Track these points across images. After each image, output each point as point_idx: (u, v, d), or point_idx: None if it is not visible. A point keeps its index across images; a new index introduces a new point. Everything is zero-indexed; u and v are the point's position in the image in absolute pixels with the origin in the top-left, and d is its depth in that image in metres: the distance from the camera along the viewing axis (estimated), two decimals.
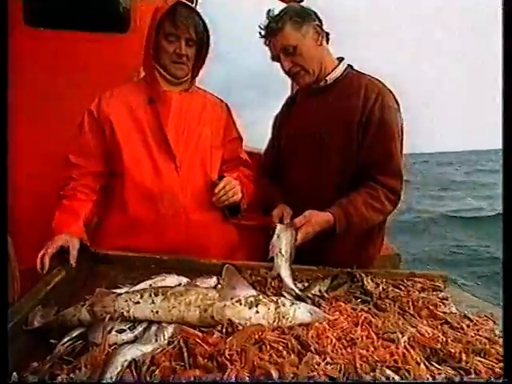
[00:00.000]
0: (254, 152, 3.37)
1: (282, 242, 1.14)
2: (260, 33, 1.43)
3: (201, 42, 1.41)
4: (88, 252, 1.27)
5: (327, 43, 1.47)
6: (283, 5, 1.47)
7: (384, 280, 1.30)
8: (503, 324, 0.87)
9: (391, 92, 1.45)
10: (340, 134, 1.42)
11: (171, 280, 0.99)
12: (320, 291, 1.11)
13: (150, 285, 0.95)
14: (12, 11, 1.96)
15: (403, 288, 1.26)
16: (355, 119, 1.40)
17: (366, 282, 1.18)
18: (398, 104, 1.44)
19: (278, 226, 1.18)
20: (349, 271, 1.25)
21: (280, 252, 1.13)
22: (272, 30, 1.39)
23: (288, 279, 1.08)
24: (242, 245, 1.58)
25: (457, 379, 0.72)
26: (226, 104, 1.58)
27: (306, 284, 1.18)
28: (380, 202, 1.38)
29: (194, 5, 3.16)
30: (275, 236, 1.16)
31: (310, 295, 1.05)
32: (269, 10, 1.42)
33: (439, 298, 1.21)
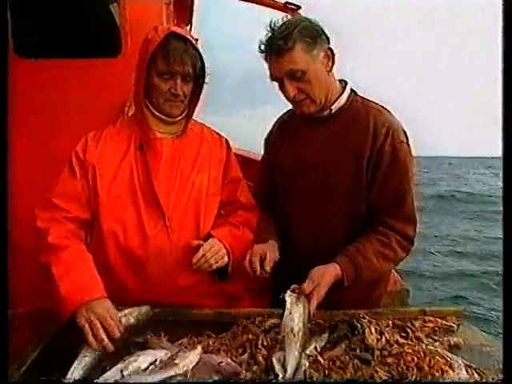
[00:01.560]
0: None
1: (295, 320, 1.02)
2: (260, 46, 1.27)
3: (197, 77, 1.27)
4: None
5: (333, 64, 1.31)
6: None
7: (390, 323, 1.21)
8: (503, 324, 0.83)
9: (400, 123, 1.32)
10: (347, 173, 1.29)
11: (145, 358, 0.92)
12: (316, 348, 1.03)
13: (121, 370, 0.88)
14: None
15: (410, 333, 1.16)
16: (364, 157, 1.27)
17: (367, 335, 1.09)
18: (407, 137, 1.31)
19: (288, 300, 1.05)
20: (350, 321, 1.16)
21: (291, 331, 1.00)
22: (279, 48, 1.20)
23: (290, 367, 0.93)
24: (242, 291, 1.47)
25: None
26: (226, 140, 1.45)
27: None
28: (392, 249, 1.26)
29: (188, 29, 3.07)
30: (286, 312, 1.03)
31: (303, 358, 0.97)
32: (271, 22, 1.25)
33: (451, 344, 1.11)
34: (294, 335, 1.00)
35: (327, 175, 1.31)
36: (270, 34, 1.24)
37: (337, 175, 1.30)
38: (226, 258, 1.24)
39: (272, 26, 1.25)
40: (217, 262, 1.21)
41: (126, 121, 1.37)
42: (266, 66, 1.29)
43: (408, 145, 1.30)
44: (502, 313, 0.85)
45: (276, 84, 1.31)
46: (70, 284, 1.08)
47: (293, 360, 0.94)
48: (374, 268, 1.25)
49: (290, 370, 0.92)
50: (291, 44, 1.20)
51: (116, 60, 2.02)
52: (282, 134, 1.48)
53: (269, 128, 1.54)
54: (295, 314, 1.03)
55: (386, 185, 1.27)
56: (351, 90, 1.37)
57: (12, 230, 1.01)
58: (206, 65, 1.27)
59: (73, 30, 2.24)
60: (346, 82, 1.38)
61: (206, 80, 1.31)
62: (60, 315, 1.07)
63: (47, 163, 1.91)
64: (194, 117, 1.37)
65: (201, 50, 1.25)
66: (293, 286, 1.09)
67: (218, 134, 1.46)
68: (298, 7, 2.47)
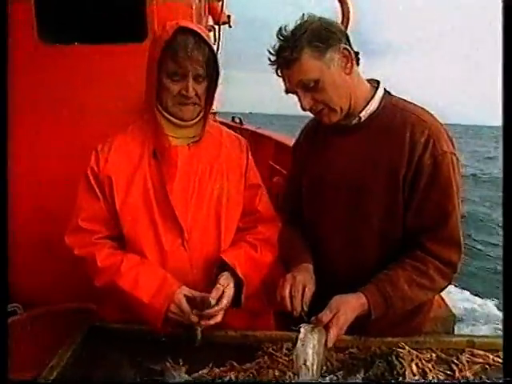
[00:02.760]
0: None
1: (308, 351, 0.93)
2: (269, 59, 1.13)
3: (211, 75, 1.16)
4: None
5: (357, 65, 1.15)
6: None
7: (433, 356, 1.09)
8: (503, 324, 0.81)
9: (443, 128, 1.13)
10: (380, 189, 1.13)
11: None
12: None
13: None
14: (25, 29, 1.85)
15: (457, 372, 1.04)
16: (400, 171, 1.10)
17: (408, 378, 0.97)
18: (453, 144, 1.13)
19: (303, 329, 0.95)
20: (388, 358, 1.04)
21: (305, 364, 0.91)
22: (286, 60, 1.08)
23: None
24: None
25: None
26: (246, 143, 1.33)
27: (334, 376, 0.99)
28: (429, 277, 1.11)
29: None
30: (299, 342, 0.93)
31: None
32: (280, 29, 1.10)
33: None
34: (308, 369, 0.92)
35: (358, 191, 1.16)
36: (278, 44, 1.11)
37: (368, 192, 1.14)
38: (231, 292, 1.12)
39: (282, 32, 1.10)
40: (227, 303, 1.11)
41: (138, 126, 1.26)
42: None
43: (454, 154, 1.12)
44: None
45: None
46: (147, 290, 1.09)
47: None
48: (406, 298, 1.11)
49: None
50: (297, 53, 1.06)
51: (141, 46, 1.90)
52: (309, 142, 1.33)
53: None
54: (309, 345, 0.94)
55: (424, 203, 1.11)
56: (385, 91, 1.20)
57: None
58: (220, 60, 1.15)
59: (98, 12, 2.13)
60: (378, 83, 1.21)
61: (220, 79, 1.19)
62: (150, 322, 1.10)
63: (69, 153, 1.87)
64: None
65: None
66: (312, 318, 0.99)
67: (236, 136, 1.35)
68: None
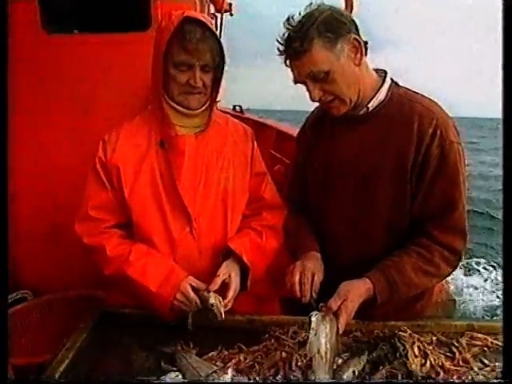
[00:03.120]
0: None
1: (321, 340, 0.94)
2: (278, 48, 1.13)
3: (217, 64, 1.16)
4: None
5: (365, 55, 1.14)
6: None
7: (434, 339, 1.12)
8: (503, 324, 0.81)
9: (450, 119, 1.14)
10: (388, 179, 1.14)
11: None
12: (354, 373, 0.96)
13: None
14: (29, 20, 1.85)
15: (457, 354, 1.07)
16: (408, 161, 1.11)
17: (410, 358, 1.01)
18: (458, 135, 1.14)
19: (314, 318, 0.97)
20: (391, 341, 1.08)
21: (319, 353, 0.93)
22: (295, 51, 1.07)
23: None
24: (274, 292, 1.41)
25: None
26: (251, 132, 1.35)
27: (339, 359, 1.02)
28: (434, 264, 1.13)
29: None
30: (312, 332, 0.95)
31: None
32: (288, 18, 1.10)
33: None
34: (322, 357, 0.94)
35: (365, 181, 1.17)
36: (286, 34, 1.10)
37: (376, 181, 1.16)
38: (237, 287, 1.16)
39: (289, 21, 1.09)
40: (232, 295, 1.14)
41: (145, 116, 1.27)
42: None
43: (460, 144, 1.13)
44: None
45: None
46: (155, 279, 1.12)
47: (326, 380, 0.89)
48: (412, 284, 1.14)
49: None
50: (307, 44, 1.05)
51: (146, 35, 1.90)
52: (315, 132, 1.33)
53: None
54: (321, 334, 0.96)
55: (432, 192, 1.13)
56: (391, 81, 1.20)
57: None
58: (225, 49, 1.15)
59: (101, 0, 2.12)
60: (385, 73, 1.21)
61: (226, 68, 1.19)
62: (157, 310, 1.13)
63: (76, 144, 1.89)
64: None
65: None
66: (320, 304, 1.02)
67: (242, 125, 1.35)
68: None
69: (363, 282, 1.10)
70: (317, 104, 1.23)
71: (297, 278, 1.10)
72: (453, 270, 1.18)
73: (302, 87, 1.17)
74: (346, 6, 2.55)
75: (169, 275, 1.13)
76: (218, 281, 1.12)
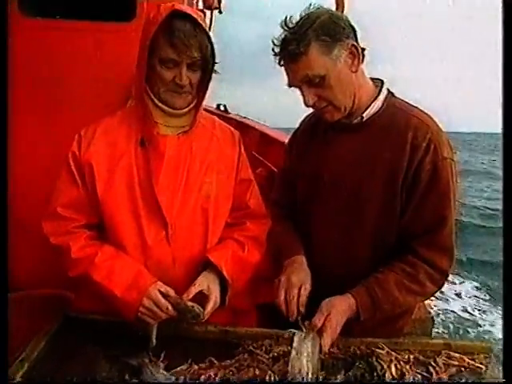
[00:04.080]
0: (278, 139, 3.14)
1: (303, 360, 0.91)
2: (273, 49, 1.09)
3: (206, 63, 1.09)
4: None
5: (362, 62, 1.11)
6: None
7: (411, 358, 1.10)
8: (503, 324, 0.82)
9: (444, 134, 1.13)
10: (379, 193, 1.12)
11: None
12: None
13: None
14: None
15: (434, 374, 1.05)
16: (399, 175, 1.09)
17: (388, 378, 0.98)
18: (452, 151, 1.12)
19: (296, 338, 0.94)
20: (369, 359, 1.04)
21: (300, 373, 0.89)
22: (291, 53, 1.04)
23: None
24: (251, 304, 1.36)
25: None
26: (239, 136, 1.29)
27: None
28: (418, 282, 1.11)
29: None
30: (293, 351, 0.92)
31: None
32: (285, 19, 1.06)
33: None
34: (303, 378, 0.90)
35: (355, 190, 1.15)
36: (283, 35, 1.07)
37: (366, 192, 1.13)
38: (217, 300, 1.11)
39: (286, 23, 1.06)
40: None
41: (127, 111, 1.20)
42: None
43: (453, 161, 1.12)
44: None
45: None
46: (121, 283, 1.06)
47: None
48: (395, 302, 1.12)
49: None
50: (304, 47, 1.02)
51: (129, 25, 1.83)
52: (307, 138, 1.30)
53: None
54: (303, 354, 0.93)
55: (421, 208, 1.10)
56: (388, 91, 1.18)
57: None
58: (216, 48, 1.09)
59: None
60: (382, 82, 1.18)
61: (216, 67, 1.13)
62: (122, 315, 1.07)
63: (50, 140, 1.80)
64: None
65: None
66: (304, 322, 0.99)
67: (229, 128, 1.29)
68: None
69: (346, 298, 1.07)
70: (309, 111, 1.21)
71: (282, 297, 1.07)
72: (438, 289, 1.16)
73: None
74: (337, 6, 2.53)
75: (135, 279, 1.07)
76: (193, 290, 1.06)
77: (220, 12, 3.10)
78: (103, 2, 1.94)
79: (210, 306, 1.06)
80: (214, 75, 1.14)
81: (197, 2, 2.85)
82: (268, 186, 1.51)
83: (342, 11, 2.25)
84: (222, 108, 4.52)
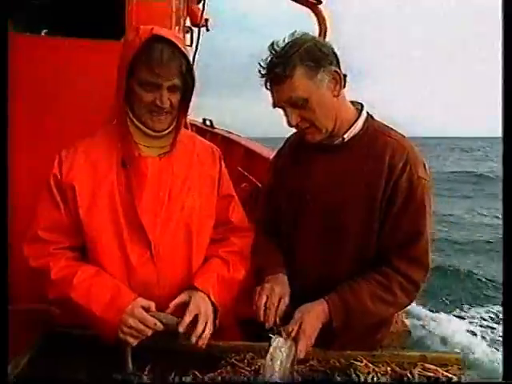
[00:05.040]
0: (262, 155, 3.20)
1: (275, 366, 0.95)
2: (260, 71, 1.15)
3: (186, 85, 1.11)
4: None
5: (343, 87, 1.18)
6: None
7: (388, 370, 1.13)
8: (503, 323, 0.84)
9: (420, 155, 1.20)
10: (359, 210, 1.17)
11: None
12: None
13: None
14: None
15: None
16: (378, 191, 1.15)
17: None
18: (426, 171, 1.19)
19: (273, 343, 0.98)
20: (347, 371, 1.08)
21: (270, 377, 0.94)
22: (277, 75, 1.09)
23: None
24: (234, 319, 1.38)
25: None
26: (219, 152, 1.31)
27: None
28: (392, 293, 1.16)
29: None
30: (268, 357, 0.96)
31: None
32: (273, 43, 1.12)
33: None
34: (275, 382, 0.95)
35: (335, 209, 1.20)
36: (269, 58, 1.13)
37: (345, 210, 1.19)
38: (211, 317, 1.10)
39: (274, 47, 1.12)
40: (206, 324, 1.08)
41: (107, 131, 1.20)
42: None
43: (427, 181, 1.18)
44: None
45: None
46: (99, 302, 1.04)
47: None
48: (367, 311, 1.16)
49: None
50: (290, 71, 1.08)
51: (119, 43, 1.86)
52: (290, 157, 1.35)
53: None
54: (277, 360, 0.97)
55: (398, 223, 1.16)
56: (367, 114, 1.24)
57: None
58: (195, 68, 1.13)
59: (76, 6, 2.07)
60: (361, 105, 1.25)
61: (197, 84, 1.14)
62: (103, 334, 1.06)
63: (49, 155, 1.81)
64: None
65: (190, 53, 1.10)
66: (280, 328, 1.03)
67: (210, 145, 1.31)
68: (319, 1, 2.31)
69: (319, 302, 1.12)
70: (293, 130, 1.25)
71: (263, 302, 1.10)
72: (410, 302, 1.21)
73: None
74: (320, 32, 2.63)
75: (114, 297, 1.05)
76: (173, 303, 1.08)
77: (207, 30, 3.16)
78: (92, 20, 1.98)
79: (206, 333, 1.06)
80: (200, 91, 1.17)
81: (184, 21, 2.90)
82: (252, 200, 1.54)
83: (325, 36, 2.34)
84: (207, 123, 4.56)
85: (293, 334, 1.02)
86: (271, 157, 1.74)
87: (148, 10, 1.87)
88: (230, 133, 4.32)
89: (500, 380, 0.90)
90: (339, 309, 1.12)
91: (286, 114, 1.16)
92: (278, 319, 1.09)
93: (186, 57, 1.08)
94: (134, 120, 1.12)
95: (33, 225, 1.12)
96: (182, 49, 1.07)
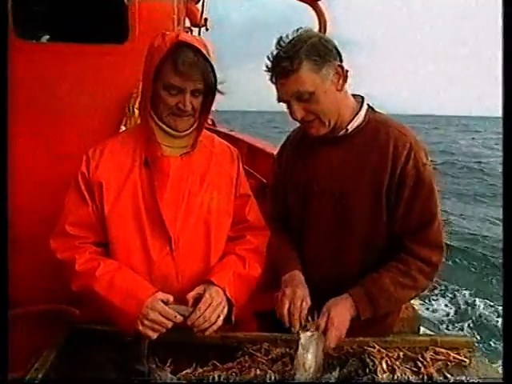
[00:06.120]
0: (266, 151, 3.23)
1: (308, 355, 1.00)
2: (267, 65, 1.18)
3: (209, 89, 1.15)
4: None
5: (346, 82, 1.21)
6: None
7: (400, 354, 1.17)
8: (503, 323, 0.84)
9: (421, 142, 1.23)
10: (364, 199, 1.21)
11: None
12: None
13: None
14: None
15: (422, 368, 1.13)
16: (383, 182, 1.19)
17: (379, 373, 1.05)
18: (427, 157, 1.23)
19: (302, 336, 1.02)
20: (361, 356, 1.12)
21: (304, 366, 0.98)
22: (284, 69, 1.13)
23: None
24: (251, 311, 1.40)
25: None
26: (237, 153, 1.35)
27: None
28: (411, 277, 1.19)
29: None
30: (300, 347, 1.00)
31: None
32: (280, 38, 1.16)
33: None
34: (306, 370, 1.00)
35: (342, 200, 1.23)
36: (276, 52, 1.16)
37: (353, 201, 1.22)
38: (225, 310, 1.13)
39: (280, 42, 1.16)
40: (219, 316, 1.10)
41: (131, 132, 1.26)
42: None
43: (430, 166, 1.22)
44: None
45: None
46: (121, 294, 1.08)
47: None
48: (391, 298, 1.20)
49: None
50: (297, 65, 1.12)
51: (122, 47, 1.89)
52: (294, 151, 1.39)
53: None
54: (309, 350, 1.01)
55: (410, 209, 1.20)
56: (368, 106, 1.28)
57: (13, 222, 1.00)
58: (218, 75, 1.15)
59: (78, 11, 2.10)
60: (362, 98, 1.29)
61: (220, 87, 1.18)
62: (123, 327, 1.08)
63: (48, 159, 1.84)
64: None
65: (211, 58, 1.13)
66: (308, 323, 1.06)
67: (228, 146, 1.36)
68: None
69: (345, 298, 1.15)
70: None
71: (286, 307, 1.13)
72: (430, 283, 1.24)
73: None
74: (320, 27, 2.66)
75: (134, 289, 1.09)
76: (191, 296, 1.10)
77: (207, 29, 3.20)
78: (96, 25, 2.00)
79: (219, 322, 1.09)
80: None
81: (184, 20, 2.93)
82: (258, 196, 1.57)
83: (324, 32, 2.37)
84: (209, 121, 4.60)
85: (322, 327, 1.05)
86: (275, 152, 1.77)
87: (150, 13, 1.90)
88: (231, 130, 4.35)
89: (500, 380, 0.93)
90: (365, 301, 1.16)
91: (291, 108, 1.19)
92: (302, 321, 1.12)
93: (209, 62, 1.12)
94: (158, 121, 1.17)
95: (60, 220, 1.17)
96: (206, 54, 1.11)
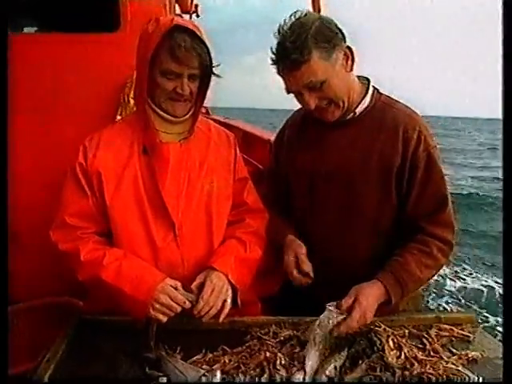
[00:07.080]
0: (263, 138, 3.21)
1: (320, 330, 1.03)
2: (272, 58, 1.15)
3: (205, 73, 1.15)
4: None
5: (354, 61, 1.19)
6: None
7: (406, 332, 1.19)
8: (503, 323, 0.84)
9: (428, 126, 1.23)
10: (375, 181, 1.21)
11: None
12: (336, 368, 1.00)
13: None
14: None
15: (428, 345, 1.14)
16: (393, 166, 1.19)
17: (387, 351, 1.06)
18: (433, 140, 1.23)
19: (326, 312, 1.05)
20: (368, 335, 1.13)
21: (314, 340, 1.01)
22: (294, 61, 1.08)
23: (309, 368, 0.97)
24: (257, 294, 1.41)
25: None
26: (234, 138, 1.35)
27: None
28: (433, 257, 1.21)
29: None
30: (317, 321, 1.04)
31: (324, 379, 0.95)
32: (279, 27, 1.12)
33: (469, 358, 1.09)
34: (315, 344, 1.02)
35: (350, 183, 1.23)
36: (280, 42, 1.12)
37: (361, 183, 1.22)
38: (229, 292, 1.14)
39: (281, 31, 1.12)
40: (225, 301, 1.12)
41: (127, 120, 1.25)
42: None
43: (437, 148, 1.23)
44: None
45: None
46: (130, 280, 1.08)
47: (311, 364, 0.99)
48: (418, 280, 1.22)
49: (308, 370, 0.97)
50: (307, 55, 1.08)
51: (115, 36, 1.87)
52: (297, 135, 1.37)
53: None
54: (323, 325, 1.04)
55: (424, 191, 1.21)
56: (374, 88, 1.27)
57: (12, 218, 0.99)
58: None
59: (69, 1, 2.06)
60: (368, 80, 1.27)
61: (216, 71, 1.17)
62: (132, 313, 1.10)
63: (48, 152, 1.82)
64: None
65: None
66: (332, 303, 1.08)
67: (224, 130, 1.36)
68: None
69: (375, 283, 1.15)
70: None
71: (293, 265, 1.22)
72: (447, 261, 1.27)
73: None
74: (314, 8, 2.62)
75: (144, 276, 1.10)
76: (196, 283, 1.12)
77: (197, 16, 3.15)
78: (87, 14, 1.97)
79: (225, 310, 1.12)
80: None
81: (174, 7, 2.89)
82: (254, 183, 1.58)
83: (319, 11, 2.34)
84: (203, 110, 4.56)
85: (345, 307, 1.06)
86: (272, 138, 1.76)
87: (141, 1, 1.87)
88: (226, 118, 4.32)
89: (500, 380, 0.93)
90: (395, 285, 1.17)
91: (304, 99, 1.16)
92: (310, 273, 1.20)
93: (205, 45, 1.11)
94: (155, 107, 1.16)
95: (59, 212, 1.16)
96: (202, 38, 1.10)
